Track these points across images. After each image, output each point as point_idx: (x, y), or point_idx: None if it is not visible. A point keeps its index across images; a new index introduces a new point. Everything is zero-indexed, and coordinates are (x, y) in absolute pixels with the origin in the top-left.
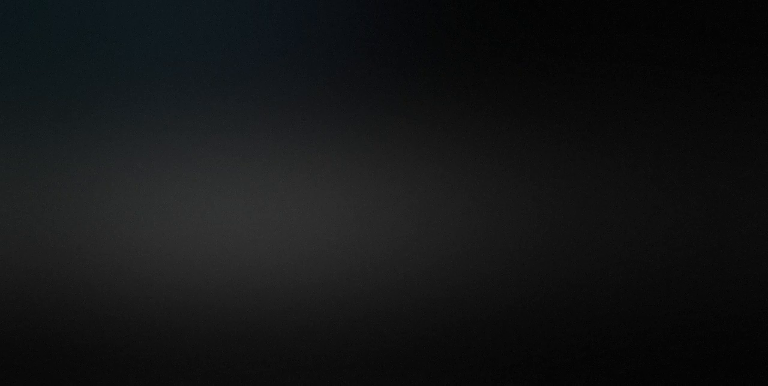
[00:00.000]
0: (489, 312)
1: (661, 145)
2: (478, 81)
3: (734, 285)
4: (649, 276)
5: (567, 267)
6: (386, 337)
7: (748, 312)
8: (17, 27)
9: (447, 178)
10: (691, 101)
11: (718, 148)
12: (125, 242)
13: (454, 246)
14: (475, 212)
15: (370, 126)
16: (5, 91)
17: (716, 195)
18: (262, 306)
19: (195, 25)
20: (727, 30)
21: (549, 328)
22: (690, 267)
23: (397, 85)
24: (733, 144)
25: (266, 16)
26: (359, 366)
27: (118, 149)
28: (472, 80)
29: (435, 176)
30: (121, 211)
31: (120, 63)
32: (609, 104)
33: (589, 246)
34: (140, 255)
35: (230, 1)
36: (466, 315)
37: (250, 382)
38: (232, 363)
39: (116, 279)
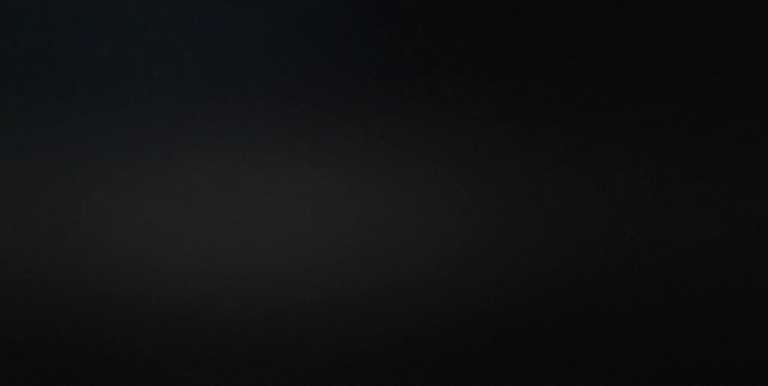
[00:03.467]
0: (489, 312)
1: (661, 145)
2: (478, 81)
3: (734, 285)
4: (649, 276)
5: (567, 267)
6: (386, 337)
7: (748, 312)
8: (17, 27)
9: (447, 178)
10: (691, 101)
11: (718, 148)
12: (125, 242)
13: (454, 246)
14: (475, 212)
15: (370, 126)
16: (5, 91)
17: (716, 195)
18: (262, 306)
19: (195, 25)
20: (727, 30)
21: (549, 328)
22: (690, 267)
23: (397, 85)
24: (733, 144)
25: (266, 16)
26: (359, 366)
27: (118, 149)
28: (472, 80)
29: (435, 176)
30: (121, 211)
31: (120, 63)
32: (609, 104)
33: (589, 246)
34: (140, 255)
35: (230, 1)
36: (466, 315)
37: (250, 382)
38: (232, 363)
39: (116, 279)
